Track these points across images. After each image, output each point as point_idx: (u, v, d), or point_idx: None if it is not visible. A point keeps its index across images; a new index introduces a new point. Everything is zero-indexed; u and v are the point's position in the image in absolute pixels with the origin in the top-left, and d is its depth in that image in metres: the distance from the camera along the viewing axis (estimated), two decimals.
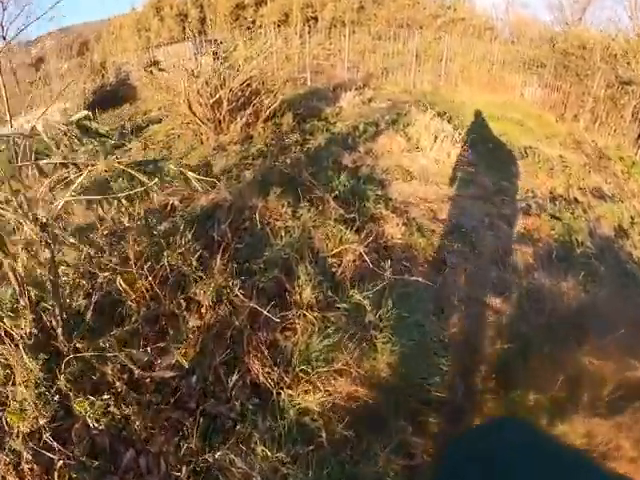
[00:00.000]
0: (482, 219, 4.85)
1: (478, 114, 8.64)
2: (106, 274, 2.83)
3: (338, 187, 4.59)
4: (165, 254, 3.04)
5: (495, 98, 10.84)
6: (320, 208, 4.14)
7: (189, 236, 3.25)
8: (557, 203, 5.41)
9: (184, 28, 14.94)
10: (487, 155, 6.49)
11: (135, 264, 2.85)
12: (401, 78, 10.42)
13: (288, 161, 5.00)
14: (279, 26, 13.09)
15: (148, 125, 7.26)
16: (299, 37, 11.47)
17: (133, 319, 2.71)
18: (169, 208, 3.87)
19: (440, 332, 3.25)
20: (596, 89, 8.66)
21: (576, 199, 5.50)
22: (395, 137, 5.85)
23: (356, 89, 8.78)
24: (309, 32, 11.67)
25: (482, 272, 3.97)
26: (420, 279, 3.46)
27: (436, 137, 5.90)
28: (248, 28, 13.96)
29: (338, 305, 3.09)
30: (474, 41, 12.05)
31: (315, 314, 2.94)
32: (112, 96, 10.24)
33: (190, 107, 5.44)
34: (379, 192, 4.84)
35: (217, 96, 5.31)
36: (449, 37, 11.30)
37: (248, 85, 5.71)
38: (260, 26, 13.84)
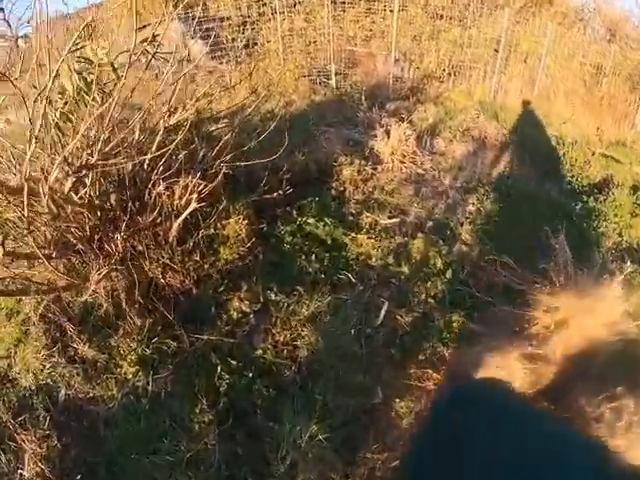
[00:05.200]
0: None
1: None
2: None
3: None
4: None
5: (607, 130, 7.15)
6: None
7: None
8: None
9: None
10: None
11: None
12: (477, 84, 6.83)
13: None
14: None
15: None
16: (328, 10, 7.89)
17: None
18: None
19: None
20: None
21: None
22: None
23: (405, 105, 5.34)
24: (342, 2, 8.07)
25: None
26: None
27: None
28: None
29: None
30: (565, 33, 8.24)
31: None
32: None
33: None
34: None
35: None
36: (551, 25, 7.50)
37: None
38: None
